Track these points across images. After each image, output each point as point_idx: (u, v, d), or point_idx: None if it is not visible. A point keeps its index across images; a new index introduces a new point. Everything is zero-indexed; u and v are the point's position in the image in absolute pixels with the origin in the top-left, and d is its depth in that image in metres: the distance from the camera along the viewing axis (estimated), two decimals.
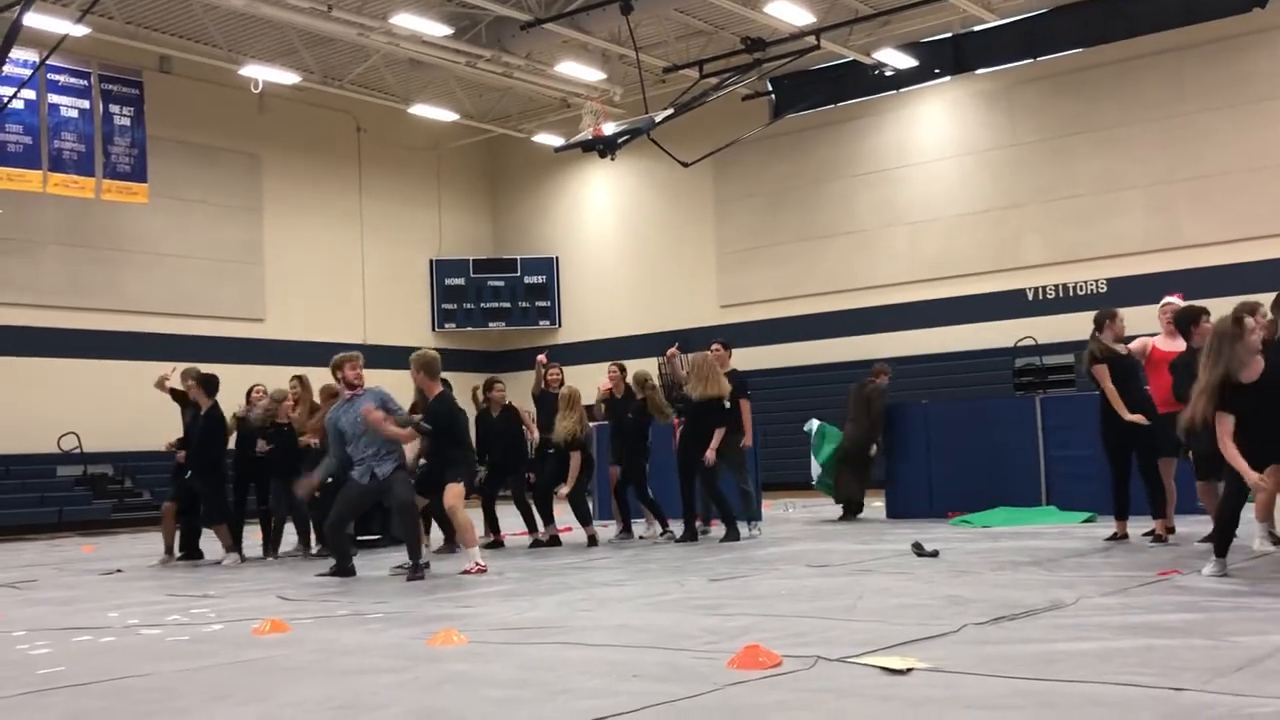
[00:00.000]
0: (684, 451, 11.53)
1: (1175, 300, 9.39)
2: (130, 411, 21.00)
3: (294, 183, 26.92)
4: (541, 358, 13.20)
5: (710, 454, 11.20)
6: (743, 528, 11.68)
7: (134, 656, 5.75)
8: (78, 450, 22.31)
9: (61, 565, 12.71)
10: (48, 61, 19.55)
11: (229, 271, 25.64)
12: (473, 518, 10.15)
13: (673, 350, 12.91)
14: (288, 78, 23.35)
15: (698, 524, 11.82)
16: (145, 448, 13.08)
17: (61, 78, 21.53)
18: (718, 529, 11.91)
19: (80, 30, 19.72)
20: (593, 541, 11.62)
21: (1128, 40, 22.84)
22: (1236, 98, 21.57)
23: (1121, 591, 6.45)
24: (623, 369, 12.82)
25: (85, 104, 21.82)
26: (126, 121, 22.37)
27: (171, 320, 24.13)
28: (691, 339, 25.77)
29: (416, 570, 9.01)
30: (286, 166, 26.78)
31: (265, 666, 5.29)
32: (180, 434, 11.94)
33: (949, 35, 24.54)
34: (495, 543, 12.03)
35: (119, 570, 11.40)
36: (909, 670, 4.43)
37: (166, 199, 23.98)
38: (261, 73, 22.99)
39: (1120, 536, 9.45)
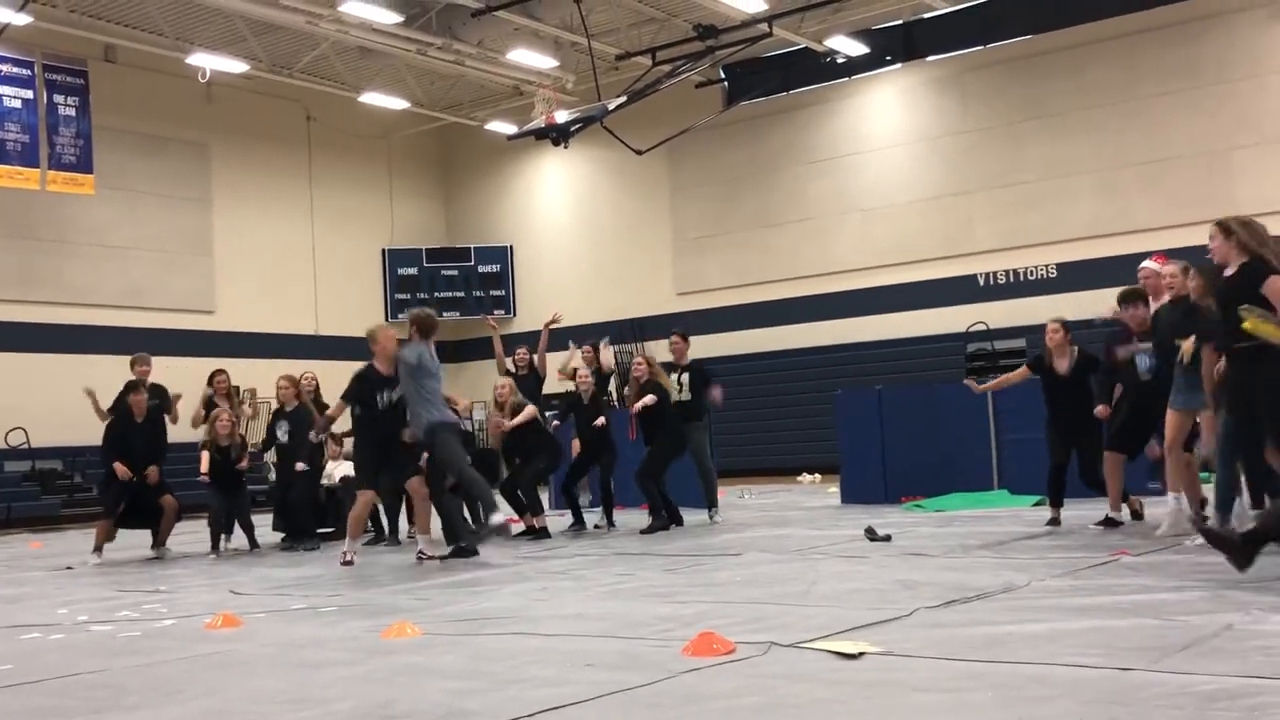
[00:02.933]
0: (647, 444, 11.70)
1: (1151, 264, 9.00)
2: (79, 406, 20.43)
3: (243, 172, 26.63)
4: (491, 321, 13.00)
5: (637, 405, 11.48)
6: (702, 515, 11.90)
7: (84, 653, 5.69)
8: (25, 445, 22.00)
9: (9, 562, 12.54)
10: None
11: (178, 263, 25.34)
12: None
13: (603, 344, 12.85)
14: (236, 66, 23.07)
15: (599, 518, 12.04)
16: (94, 442, 12.91)
17: (4, 68, 21.16)
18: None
19: (22, 19, 19.43)
20: (542, 532, 11.61)
21: (1078, 26, 23.03)
22: (1186, 83, 21.81)
23: (1072, 573, 6.53)
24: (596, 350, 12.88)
25: (29, 94, 21.45)
26: (72, 112, 22.02)
27: (120, 312, 23.81)
28: (648, 327, 25.93)
29: (485, 533, 9.56)
30: (236, 156, 26.48)
31: (217, 661, 5.26)
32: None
33: (900, 22, 24.63)
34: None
35: (69, 567, 11.26)
36: (861, 654, 4.46)
37: (114, 190, 23.64)
38: (209, 61, 22.70)
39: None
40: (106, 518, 11.72)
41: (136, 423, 11.70)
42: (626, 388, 12.49)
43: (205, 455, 11.93)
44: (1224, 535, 6.15)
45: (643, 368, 11.96)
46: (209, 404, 12.31)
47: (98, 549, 11.50)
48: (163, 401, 12.16)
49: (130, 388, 11.96)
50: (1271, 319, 5.99)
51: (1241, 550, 5.81)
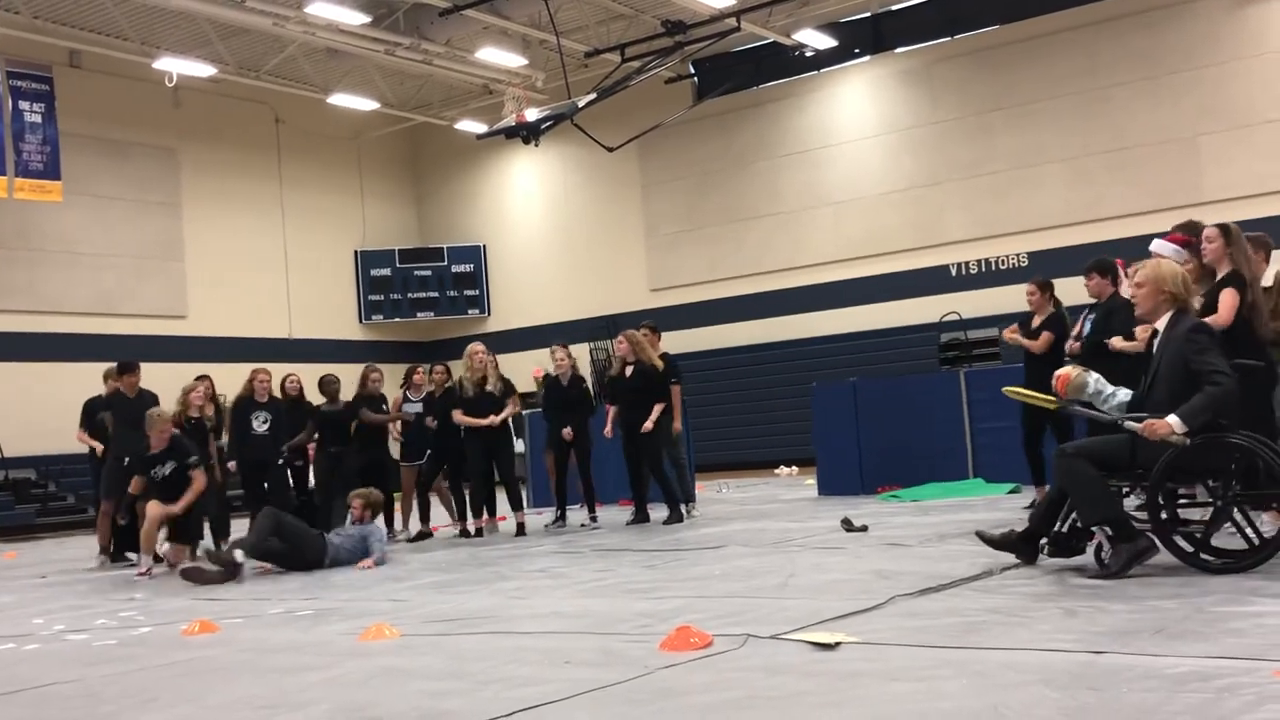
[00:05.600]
0: (627, 433, 11.59)
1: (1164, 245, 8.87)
2: (52, 414, 20.50)
3: (213, 176, 26.48)
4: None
5: (649, 424, 11.30)
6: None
7: (60, 663, 5.65)
8: None
9: None
10: None
11: (149, 268, 25.19)
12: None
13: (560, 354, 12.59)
14: (203, 70, 22.94)
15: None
16: (68, 451, 12.85)
17: None
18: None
19: None
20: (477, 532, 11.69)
21: (1044, 16, 23.16)
22: (1150, 71, 21.96)
23: (1045, 560, 6.56)
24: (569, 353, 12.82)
25: None
26: (37, 118, 21.85)
27: (92, 320, 23.66)
28: (621, 323, 25.92)
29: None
30: (204, 160, 26.33)
31: (194, 668, 5.24)
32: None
33: (868, 15, 24.72)
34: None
35: (44, 576, 11.19)
36: (837, 645, 4.49)
37: (82, 196, 23.48)
38: (175, 65, 22.55)
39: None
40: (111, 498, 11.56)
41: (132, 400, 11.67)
42: (613, 368, 12.30)
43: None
44: (1002, 539, 6.43)
45: (625, 346, 11.77)
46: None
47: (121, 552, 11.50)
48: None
49: (124, 368, 11.94)
50: (1083, 376, 6.16)
51: (1022, 548, 6.28)
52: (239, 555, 9.16)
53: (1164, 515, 5.76)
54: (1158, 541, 5.72)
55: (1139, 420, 5.73)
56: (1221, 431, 5.64)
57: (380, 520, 10.36)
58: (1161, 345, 5.95)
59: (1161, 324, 5.98)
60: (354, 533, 9.82)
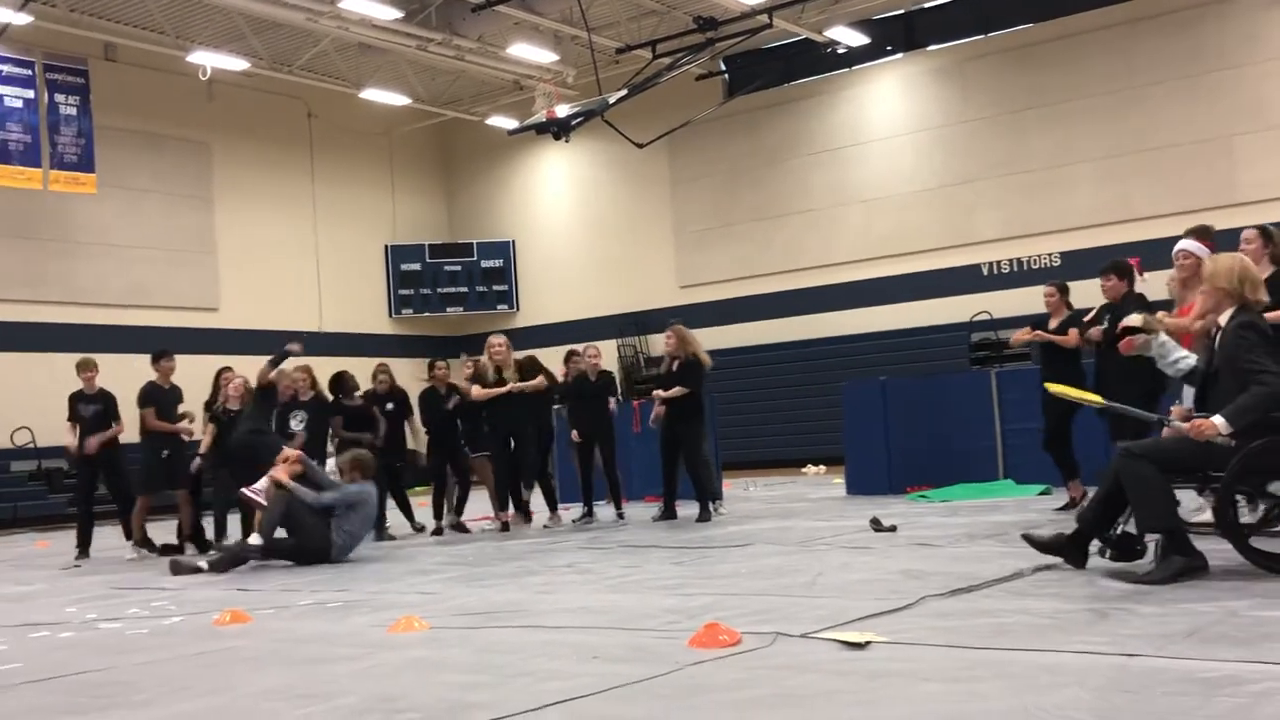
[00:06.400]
0: (666, 429, 11.59)
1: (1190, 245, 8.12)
2: None
3: (245, 170, 26.63)
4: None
5: (660, 405, 11.29)
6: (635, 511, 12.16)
7: (93, 651, 5.70)
8: (31, 445, 22.04)
9: (17, 561, 12.58)
10: None
11: (182, 261, 25.36)
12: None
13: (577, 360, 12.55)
14: (236, 64, 23.07)
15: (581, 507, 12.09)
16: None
17: (5, 68, 21.17)
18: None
19: (23, 19, 19.45)
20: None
21: (1078, 14, 23.00)
22: (1185, 70, 21.77)
23: (1096, 563, 6.50)
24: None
25: (30, 94, 21.46)
26: (73, 111, 22.03)
27: (125, 311, 23.83)
28: (649, 320, 25.92)
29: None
30: (237, 154, 26.48)
31: (226, 657, 5.27)
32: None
33: (900, 12, 24.60)
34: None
35: (77, 565, 11.29)
36: (867, 644, 4.47)
37: (116, 189, 23.65)
38: (209, 59, 22.70)
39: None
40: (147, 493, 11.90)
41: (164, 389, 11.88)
42: (661, 365, 12.25)
43: (210, 430, 11.68)
44: (1050, 542, 6.26)
45: (674, 341, 11.73)
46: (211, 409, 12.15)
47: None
48: (108, 407, 12.16)
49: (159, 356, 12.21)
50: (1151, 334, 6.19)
51: (1071, 551, 6.10)
52: (253, 541, 9.40)
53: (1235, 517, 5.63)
54: (1234, 547, 5.59)
55: (1186, 420, 5.67)
56: None
57: (370, 484, 10.04)
58: (1220, 342, 5.88)
59: (1223, 319, 5.90)
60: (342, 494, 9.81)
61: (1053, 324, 10.13)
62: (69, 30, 21.45)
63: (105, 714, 4.21)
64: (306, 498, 9.56)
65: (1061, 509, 9.78)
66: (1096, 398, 6.44)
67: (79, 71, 22.27)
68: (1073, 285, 10.72)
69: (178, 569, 9.37)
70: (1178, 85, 21.84)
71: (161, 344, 13.92)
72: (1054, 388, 6.88)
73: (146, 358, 12.59)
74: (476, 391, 11.71)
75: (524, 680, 4.27)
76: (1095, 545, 6.01)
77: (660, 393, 11.54)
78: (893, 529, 9.05)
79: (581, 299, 28.31)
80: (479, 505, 13.18)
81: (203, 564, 9.43)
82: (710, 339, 22.90)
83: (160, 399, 11.98)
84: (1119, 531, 5.92)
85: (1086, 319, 9.48)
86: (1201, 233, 7.70)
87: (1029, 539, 6.41)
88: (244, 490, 9.87)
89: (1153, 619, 4.68)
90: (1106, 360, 8.89)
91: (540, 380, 11.80)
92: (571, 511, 12.76)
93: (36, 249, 23.02)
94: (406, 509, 12.70)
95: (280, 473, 9.67)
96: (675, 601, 6.00)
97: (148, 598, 7.89)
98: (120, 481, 12.14)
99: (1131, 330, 6.42)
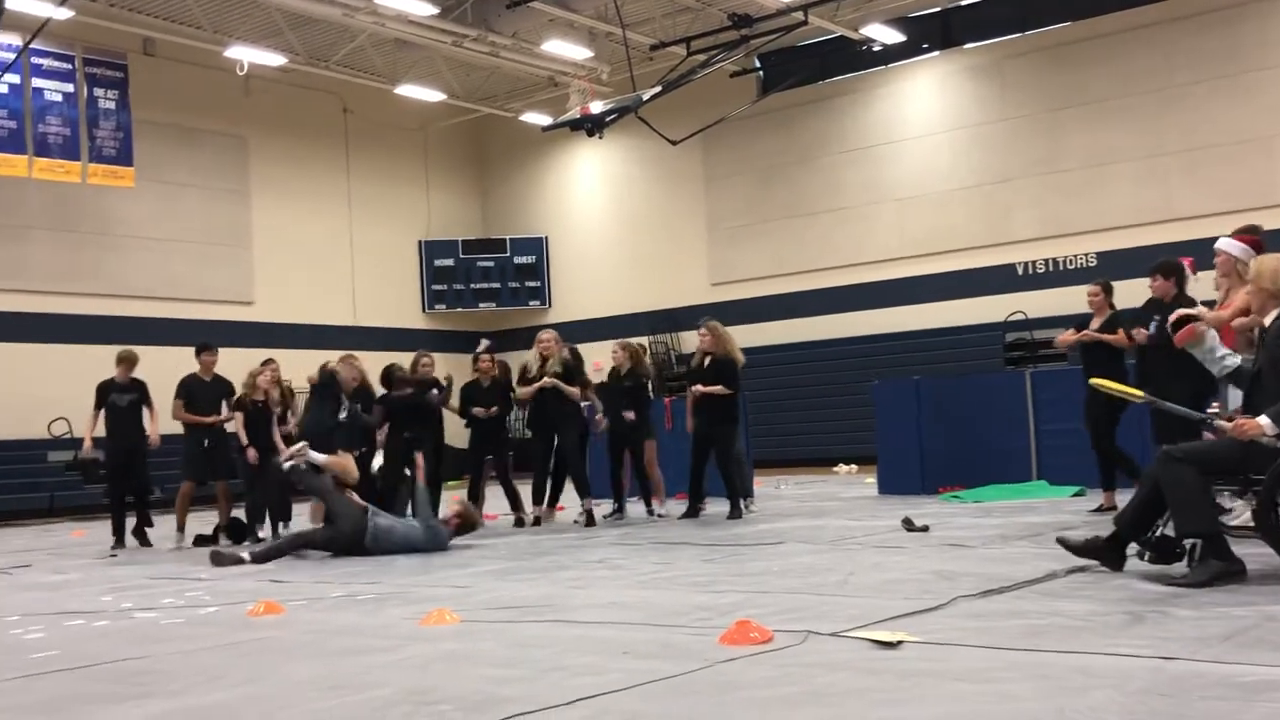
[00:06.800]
0: (698, 427, 11.57)
1: (1232, 244, 8.07)
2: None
3: (281, 165, 26.81)
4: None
5: (713, 389, 11.26)
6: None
7: (128, 639, 5.75)
8: (68, 435, 22.26)
9: (54, 550, 12.71)
10: (31, 45, 19.41)
11: (217, 255, 25.54)
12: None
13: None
14: (273, 59, 23.21)
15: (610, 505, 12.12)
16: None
17: (45, 61, 21.38)
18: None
19: (63, 13, 19.59)
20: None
21: (1118, 12, 22.80)
22: (1226, 69, 21.54)
23: (1133, 566, 6.45)
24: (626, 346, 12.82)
25: (69, 88, 21.68)
26: (111, 105, 22.23)
27: (160, 304, 24.05)
28: (681, 317, 25.90)
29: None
30: (273, 148, 26.66)
31: (259, 648, 5.31)
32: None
33: (937, 9, 24.46)
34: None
35: (114, 554, 11.40)
36: (899, 643, 4.45)
37: (153, 182, 23.86)
38: (247, 54, 22.85)
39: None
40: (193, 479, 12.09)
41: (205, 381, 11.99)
42: (692, 360, 12.22)
43: (240, 418, 11.75)
44: (1086, 545, 6.20)
45: (709, 338, 11.72)
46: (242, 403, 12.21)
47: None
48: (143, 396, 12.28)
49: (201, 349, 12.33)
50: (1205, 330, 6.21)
51: (1107, 554, 6.05)
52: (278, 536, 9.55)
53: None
54: (1275, 550, 5.54)
55: (1229, 419, 5.61)
56: None
57: (453, 534, 10.09)
58: (1265, 342, 5.82)
59: (1268, 320, 5.84)
60: (419, 527, 9.87)
61: (1095, 323, 10.05)
62: (108, 25, 21.64)
63: (142, 702, 4.24)
64: (395, 530, 9.71)
65: (1096, 510, 9.72)
66: (1140, 393, 6.37)
67: (118, 66, 22.47)
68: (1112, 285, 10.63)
69: (219, 560, 9.43)
70: (1218, 84, 21.61)
71: (198, 337, 14.01)
72: (1099, 382, 6.80)
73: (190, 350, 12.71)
74: (522, 392, 11.86)
75: (556, 675, 4.27)
76: (1133, 549, 5.96)
77: (700, 387, 11.51)
78: (925, 529, 9.02)
79: (614, 296, 28.33)
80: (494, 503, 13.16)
81: (244, 555, 9.49)
82: (742, 337, 22.75)
83: (194, 391, 12.06)
84: (1158, 534, 5.86)
85: (1131, 320, 9.39)
86: (1249, 232, 7.61)
87: (1064, 542, 6.36)
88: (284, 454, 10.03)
89: (1189, 622, 4.64)
90: (1154, 361, 8.82)
91: (575, 391, 11.80)
92: (603, 507, 12.77)
93: (74, 242, 23.24)
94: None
95: (338, 462, 9.83)
96: (706, 599, 5.99)
97: (182, 588, 7.96)
98: (140, 475, 12.25)
99: (1185, 320, 6.35)
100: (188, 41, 22.68)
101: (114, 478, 12.46)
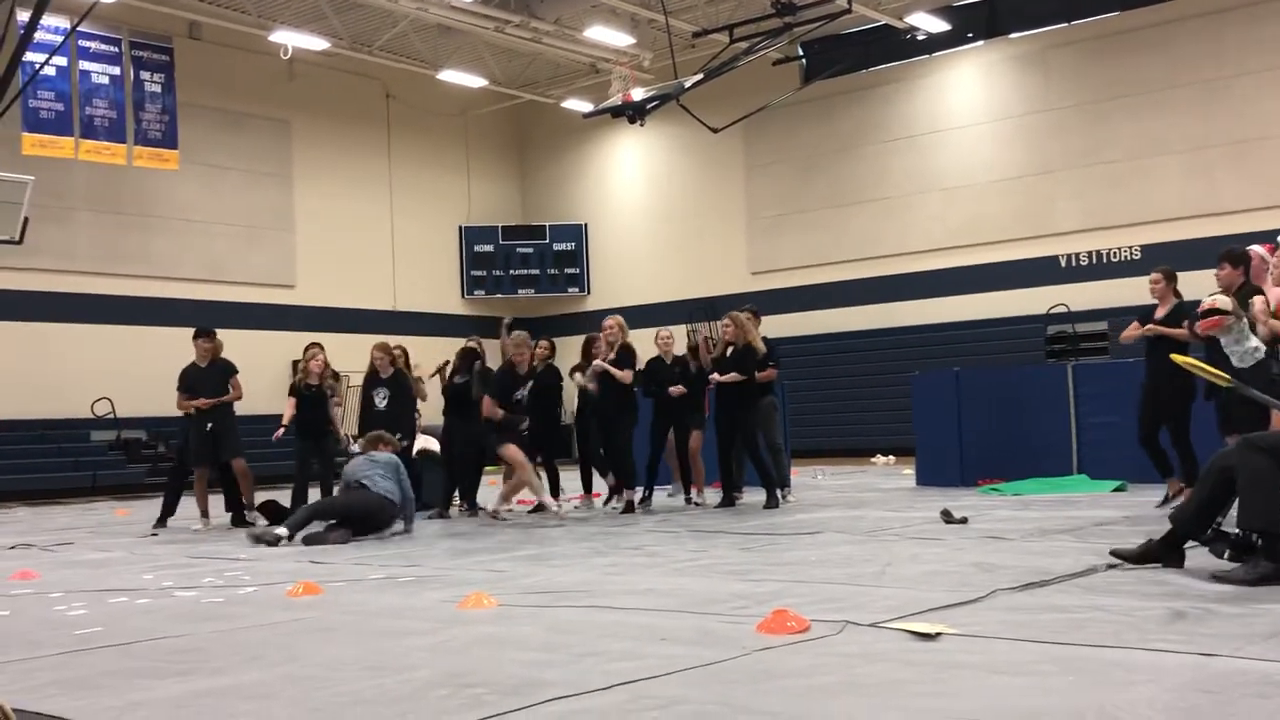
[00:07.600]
0: (723, 415, 11.59)
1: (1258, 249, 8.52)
2: (163, 377, 20.93)
3: (323, 149, 26.97)
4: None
5: (730, 376, 11.35)
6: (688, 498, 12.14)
7: (170, 618, 5.81)
8: (111, 415, 22.53)
9: (97, 529, 12.86)
10: (78, 28, 19.61)
11: (260, 238, 25.75)
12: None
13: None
14: (317, 44, 23.34)
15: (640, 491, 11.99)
16: (178, 413, 13.18)
17: (92, 44, 21.60)
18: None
19: None
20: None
21: (1165, 3, 22.52)
22: (1274, 61, 21.24)
23: (1191, 564, 6.38)
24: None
25: (116, 70, 21.89)
26: (157, 88, 22.43)
27: (203, 286, 24.29)
28: (720, 306, 25.82)
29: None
30: (316, 133, 26.82)
31: (298, 628, 5.35)
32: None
33: None
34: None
35: (155, 534, 11.52)
36: (938, 635, 4.43)
37: (197, 165, 24.08)
38: (291, 39, 22.99)
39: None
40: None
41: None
42: (714, 350, 12.20)
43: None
44: (1142, 553, 6.03)
45: (732, 329, 11.75)
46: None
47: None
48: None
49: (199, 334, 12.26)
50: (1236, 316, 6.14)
51: (1166, 554, 5.92)
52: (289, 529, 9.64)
53: None
54: None
55: None
56: None
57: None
58: None
59: None
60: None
61: (1160, 313, 9.80)
62: (155, 8, 21.84)
63: (184, 679, 4.29)
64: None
65: (1162, 504, 9.57)
66: (1225, 376, 6.18)
67: (164, 49, 22.66)
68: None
69: (257, 539, 9.53)
70: (1270, 75, 21.32)
71: (238, 320, 14.09)
72: (1186, 360, 6.48)
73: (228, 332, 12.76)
74: (577, 379, 12.22)
75: (593, 660, 4.28)
76: (1203, 548, 5.83)
77: (716, 376, 11.60)
78: (964, 521, 8.96)
79: (652, 283, 28.32)
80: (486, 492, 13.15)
81: (281, 531, 9.56)
82: (781, 326, 22.88)
83: (192, 380, 12.03)
84: (1218, 528, 5.74)
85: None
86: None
87: (1119, 554, 6.17)
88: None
89: (1233, 619, 4.58)
90: (1220, 353, 8.53)
91: (627, 374, 11.74)
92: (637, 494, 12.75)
93: (118, 223, 23.49)
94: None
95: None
96: (743, 587, 5.99)
97: (222, 567, 8.04)
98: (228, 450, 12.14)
99: (1212, 312, 6.25)
100: (233, 25, 22.85)
101: (185, 459, 12.38)
